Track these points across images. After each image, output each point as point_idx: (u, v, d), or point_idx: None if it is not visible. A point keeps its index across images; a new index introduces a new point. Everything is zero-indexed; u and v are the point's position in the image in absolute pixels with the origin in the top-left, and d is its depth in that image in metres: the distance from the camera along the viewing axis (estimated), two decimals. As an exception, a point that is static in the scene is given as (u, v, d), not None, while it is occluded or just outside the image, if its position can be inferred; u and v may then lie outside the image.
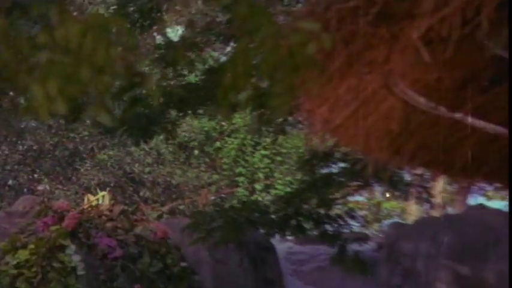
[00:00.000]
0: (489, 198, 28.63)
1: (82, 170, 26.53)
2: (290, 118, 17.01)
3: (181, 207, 23.85)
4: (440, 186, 25.03)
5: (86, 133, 22.56)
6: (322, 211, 16.61)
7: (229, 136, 23.43)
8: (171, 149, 22.17)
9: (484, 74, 8.08)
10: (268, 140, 22.65)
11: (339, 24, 7.41)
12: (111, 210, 20.38)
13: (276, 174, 24.96)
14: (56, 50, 6.93)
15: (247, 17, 6.95)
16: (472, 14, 6.91)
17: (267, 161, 26.22)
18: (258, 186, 25.39)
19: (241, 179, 26.73)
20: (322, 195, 16.58)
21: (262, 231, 17.60)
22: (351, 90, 7.96)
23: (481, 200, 27.39)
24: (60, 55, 6.52)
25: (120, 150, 23.58)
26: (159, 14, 14.17)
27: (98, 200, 20.72)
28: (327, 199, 16.49)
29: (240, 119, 23.19)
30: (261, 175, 25.52)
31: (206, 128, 23.21)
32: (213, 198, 24.66)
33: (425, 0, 6.90)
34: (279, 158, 25.51)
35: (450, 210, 25.79)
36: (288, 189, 22.73)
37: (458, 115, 8.52)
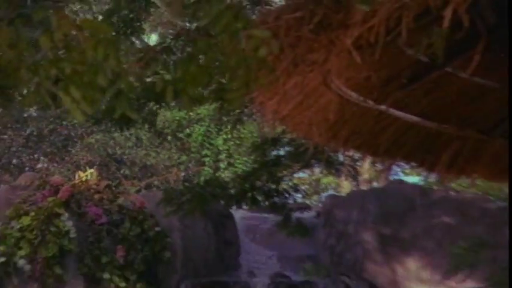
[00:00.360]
0: (406, 174, 29.14)
1: (73, 151, 27.05)
2: (246, 110, 17.23)
3: (155, 182, 24.23)
4: (367, 164, 25.47)
5: (76, 121, 22.84)
6: (271, 186, 16.84)
7: (196, 123, 23.81)
8: (147, 135, 22.53)
9: (403, 74, 8.11)
10: (229, 126, 23.04)
11: (286, 31, 7.37)
12: (97, 185, 20.77)
13: (235, 155, 24.56)
14: (76, 62, 6.94)
15: (215, 22, 7.00)
16: (394, 24, 6.91)
17: (228, 144, 25.57)
18: (221, 165, 25.72)
19: (206, 159, 27.28)
20: (272, 173, 16.81)
21: (222, 202, 17.84)
22: (296, 86, 7.95)
23: (400, 175, 27.84)
24: (79, 66, 6.57)
25: (105, 135, 24.11)
26: (138, 24, 14.21)
27: (86, 176, 20.96)
28: (275, 176, 16.74)
29: (205, 110, 23.64)
30: (223, 156, 25.76)
31: (177, 118, 23.68)
32: (182, 175, 24.91)
33: (356, 13, 6.90)
34: (238, 142, 24.97)
35: (375, 184, 26.17)
36: (246, 168, 22.90)
37: (382, 107, 8.54)
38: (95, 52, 6.57)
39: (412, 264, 20.54)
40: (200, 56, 7.68)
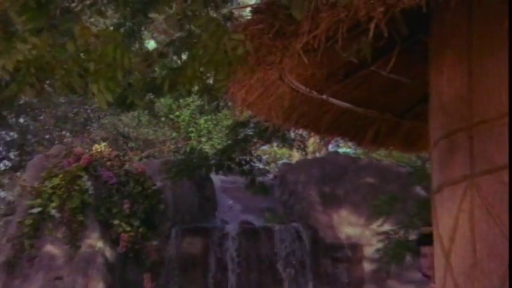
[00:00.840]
0: (340, 147, 29.41)
1: (91, 129, 27.42)
2: (222, 100, 17.51)
3: (153, 153, 24.47)
4: (312, 139, 25.77)
5: (94, 106, 23.09)
6: (242, 157, 17.28)
7: (184, 108, 24.05)
8: (147, 117, 22.85)
9: (339, 71, 8.17)
10: (209, 112, 23.48)
11: (251, 38, 7.39)
12: (109, 155, 21.31)
13: (213, 133, 24.65)
14: (100, 61, 6.99)
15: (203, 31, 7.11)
16: (333, 34, 6.93)
17: (208, 124, 25.61)
18: (203, 140, 25.86)
19: (192, 135, 27.02)
20: (242, 148, 17.16)
21: (204, 169, 18.32)
22: (259, 80, 7.99)
23: (336, 148, 28.09)
24: (103, 65, 6.66)
25: (115, 117, 24.36)
26: (139, 33, 14.19)
27: (101, 148, 21.46)
28: (245, 150, 17.09)
29: (191, 98, 23.87)
30: (204, 133, 25.94)
31: (170, 103, 23.92)
32: (173, 147, 25.08)
33: (303, 25, 6.91)
34: (215, 122, 25.12)
35: (318, 154, 26.41)
36: (221, 142, 23.18)
37: (324, 96, 8.59)
38: (114, 53, 6.65)
39: (344, 213, 21.20)
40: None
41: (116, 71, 7.57)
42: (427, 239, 7.28)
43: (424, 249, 7.23)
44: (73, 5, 7.66)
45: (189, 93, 14.90)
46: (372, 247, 18.41)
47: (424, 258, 7.25)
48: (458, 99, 7.17)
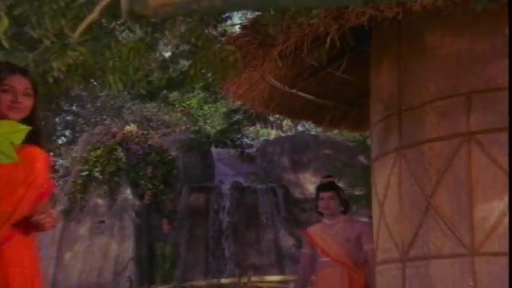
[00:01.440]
0: (305, 127, 29.33)
1: (124, 114, 27.27)
2: (219, 93, 17.56)
3: (169, 132, 24.45)
4: (285, 122, 26.26)
5: (126, 96, 23.13)
6: (235, 135, 17.32)
7: (193, 98, 23.83)
8: (164, 105, 22.77)
9: (305, 72, 8.18)
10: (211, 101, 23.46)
11: (240, 48, 7.40)
12: (137, 133, 21.29)
13: (214, 118, 24.46)
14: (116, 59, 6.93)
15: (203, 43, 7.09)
16: (300, 44, 6.95)
17: (211, 110, 25.30)
18: (207, 122, 25.84)
19: (199, 118, 26.01)
20: (235, 129, 17.24)
21: (207, 145, 18.53)
22: (246, 78, 8.00)
23: (303, 128, 28.12)
24: (119, 62, 6.60)
25: (141, 105, 24.21)
26: (157, 45, 14.30)
27: (131, 128, 21.54)
28: (237, 130, 17.12)
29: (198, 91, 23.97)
30: (207, 116, 25.71)
31: (181, 94, 23.90)
32: (184, 128, 24.90)
33: (279, 38, 6.93)
34: (214, 109, 24.69)
35: (289, 133, 26.46)
36: (218, 125, 23.24)
37: (293, 90, 8.60)
38: (128, 54, 6.70)
39: (308, 175, 21.15)
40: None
41: (128, 67, 7.63)
42: (324, 187, 7.32)
43: (322, 194, 7.19)
44: (111, 24, 7.67)
45: (193, 89, 15.00)
46: None
47: (322, 200, 7.19)
48: (391, 93, 7.21)
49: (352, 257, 6.89)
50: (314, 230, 7.28)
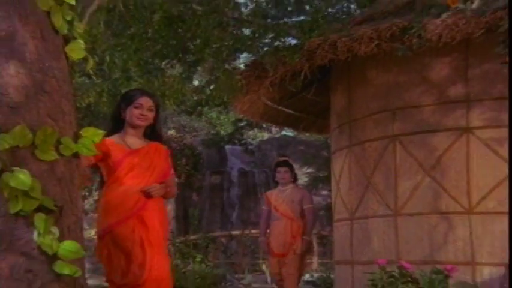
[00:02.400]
0: (287, 131, 27.82)
1: (168, 123, 26.06)
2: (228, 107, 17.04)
3: (197, 134, 23.68)
4: (274, 128, 25.27)
5: (168, 111, 22.30)
6: (240, 137, 17.03)
7: (208, 110, 21.98)
8: (193, 116, 21.69)
9: (287, 95, 8.12)
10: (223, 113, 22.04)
11: (245, 78, 7.44)
12: (175, 135, 19.84)
13: (227, 124, 22.84)
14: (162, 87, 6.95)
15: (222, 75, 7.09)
16: (285, 76, 6.99)
17: (225, 119, 23.65)
18: (222, 127, 24.88)
19: (217, 124, 23.13)
20: (240, 132, 17.05)
21: (222, 143, 18.29)
22: (248, 99, 7.99)
23: (286, 132, 26.89)
24: (172, 90, 6.61)
25: (179, 117, 22.91)
26: (192, 77, 14.12)
27: (171, 132, 20.24)
28: (241, 133, 16.92)
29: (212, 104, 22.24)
30: (223, 123, 24.57)
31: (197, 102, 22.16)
32: (206, 131, 23.93)
33: (270, 73, 6.96)
34: (228, 118, 22.56)
35: (277, 135, 25.58)
36: (231, 130, 22.47)
37: (280, 107, 8.57)
38: (177, 85, 6.74)
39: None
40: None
41: (178, 93, 7.67)
42: (281, 163, 7.21)
43: (280, 169, 7.08)
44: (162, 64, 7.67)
45: (214, 105, 14.33)
46: (302, 180, 18.20)
47: (279, 173, 7.08)
48: (343, 109, 7.21)
49: (294, 212, 6.86)
50: (271, 193, 7.19)
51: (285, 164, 7.26)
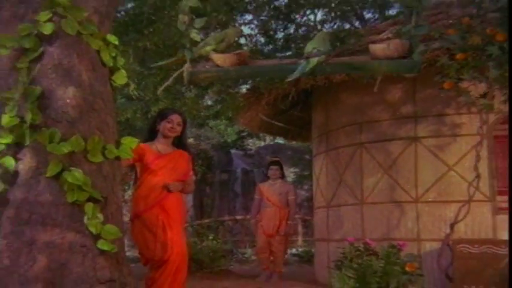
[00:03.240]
0: (279, 139, 25.86)
1: (188, 134, 25.13)
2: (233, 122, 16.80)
3: (209, 142, 23.28)
4: (268, 137, 23.92)
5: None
6: (243, 144, 16.66)
7: (212, 121, 20.76)
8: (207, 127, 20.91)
9: (279, 112, 8.02)
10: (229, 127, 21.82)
11: (246, 100, 7.41)
12: (193, 143, 18.75)
13: (232, 134, 20.83)
14: (183, 106, 6.82)
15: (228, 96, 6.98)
16: (276, 98, 6.97)
17: (231, 130, 21.09)
18: (229, 136, 24.03)
19: (224, 135, 21.42)
20: (242, 140, 16.79)
21: (228, 148, 17.91)
22: (248, 115, 7.92)
23: (278, 140, 26.68)
24: (187, 108, 6.44)
25: (196, 128, 22.29)
26: (203, 99, 13.96)
27: (190, 140, 19.32)
28: (244, 140, 16.45)
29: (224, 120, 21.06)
30: (229, 133, 22.31)
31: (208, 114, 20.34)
32: (216, 140, 21.17)
33: (265, 95, 6.93)
34: (233, 129, 20.55)
35: (271, 142, 25.02)
36: (236, 137, 22.21)
37: (273, 121, 8.48)
38: (191, 103, 6.68)
39: None
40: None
41: (193, 110, 7.66)
42: (273, 162, 7.21)
43: (272, 167, 7.10)
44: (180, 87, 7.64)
45: (222, 119, 13.99)
46: (290, 178, 17.92)
47: (271, 170, 7.09)
48: (322, 123, 7.19)
49: (282, 202, 6.89)
50: (263, 186, 7.13)
51: (276, 163, 7.22)
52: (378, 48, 2.98)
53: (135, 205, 3.85)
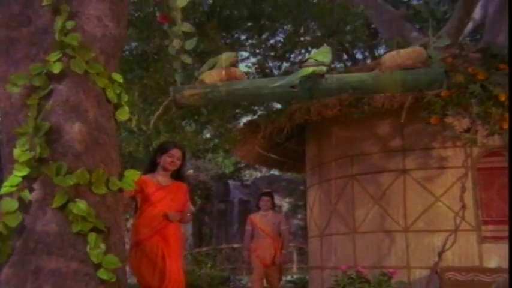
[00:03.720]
0: (274, 171, 25.60)
1: (189, 165, 24.98)
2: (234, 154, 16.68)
3: (208, 173, 23.05)
4: (264, 168, 23.60)
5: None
6: (239, 175, 16.40)
7: (211, 153, 21.84)
8: (206, 159, 20.46)
9: (274, 145, 8.01)
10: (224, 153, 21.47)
11: (243, 134, 7.39)
12: (193, 173, 18.85)
13: (230, 165, 21.30)
14: (183, 140, 6.82)
15: (225, 131, 6.92)
16: (271, 133, 6.99)
17: (228, 161, 21.96)
18: (227, 167, 23.98)
19: (223, 166, 22.10)
20: (240, 171, 16.52)
21: (226, 179, 17.80)
22: (245, 148, 7.87)
23: (273, 171, 24.68)
24: (186, 141, 6.40)
25: (196, 161, 22.10)
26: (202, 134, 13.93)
27: (189, 172, 18.97)
28: (241, 172, 16.27)
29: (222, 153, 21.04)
30: (227, 164, 22.98)
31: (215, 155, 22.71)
32: (215, 171, 21.45)
33: (262, 129, 6.94)
34: (231, 161, 21.00)
35: (266, 173, 24.87)
36: (233, 169, 22.09)
37: (269, 154, 8.48)
38: (191, 137, 6.65)
39: (275, 195, 19.73)
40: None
41: (193, 143, 7.64)
42: (265, 194, 6.91)
43: (264, 198, 6.76)
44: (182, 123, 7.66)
45: (220, 152, 13.59)
46: (285, 207, 17.77)
47: (263, 201, 6.73)
48: (315, 155, 7.15)
49: (275, 233, 6.60)
50: (254, 216, 6.79)
51: (268, 194, 7.00)
52: (387, 59, 2.54)
53: (135, 233, 3.85)
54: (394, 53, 2.49)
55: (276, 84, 2.69)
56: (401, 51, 2.48)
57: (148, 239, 3.77)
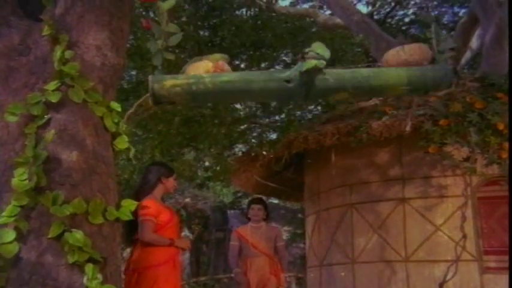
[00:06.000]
0: (272, 199, 24.81)
1: (185, 193, 24.95)
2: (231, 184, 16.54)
3: (205, 202, 22.60)
4: (263, 196, 23.28)
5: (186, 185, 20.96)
6: (238, 204, 16.24)
7: (216, 183, 21.60)
8: (204, 189, 20.13)
9: (273, 174, 7.95)
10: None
11: (240, 164, 7.37)
12: (190, 202, 18.67)
13: (228, 195, 20.42)
14: (183, 164, 6.75)
15: (222, 161, 6.90)
16: (269, 162, 6.98)
17: (226, 191, 20.20)
18: (225, 197, 23.89)
19: (220, 195, 20.89)
20: (238, 200, 16.28)
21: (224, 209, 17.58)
22: (243, 177, 7.82)
23: (272, 199, 24.08)
24: (186, 166, 6.36)
25: (194, 189, 21.80)
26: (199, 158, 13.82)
27: (187, 200, 18.84)
28: (239, 201, 16.15)
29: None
30: (224, 194, 21.62)
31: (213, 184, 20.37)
32: (213, 200, 20.43)
33: (259, 159, 6.93)
34: (229, 190, 19.85)
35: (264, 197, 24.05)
36: (231, 198, 21.96)
37: (267, 182, 8.38)
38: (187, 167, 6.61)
39: (274, 223, 19.45)
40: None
41: (191, 172, 7.61)
42: (255, 201, 6.02)
43: (254, 206, 5.76)
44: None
45: (218, 181, 12.90)
46: (284, 236, 17.55)
47: (253, 210, 5.74)
48: (313, 184, 7.14)
49: (270, 249, 5.62)
50: (243, 230, 5.78)
51: (259, 201, 6.02)
52: (391, 54, 2.36)
53: (144, 259, 3.73)
54: (398, 48, 2.33)
55: (269, 77, 2.46)
56: (406, 46, 2.33)
57: (162, 264, 3.73)
